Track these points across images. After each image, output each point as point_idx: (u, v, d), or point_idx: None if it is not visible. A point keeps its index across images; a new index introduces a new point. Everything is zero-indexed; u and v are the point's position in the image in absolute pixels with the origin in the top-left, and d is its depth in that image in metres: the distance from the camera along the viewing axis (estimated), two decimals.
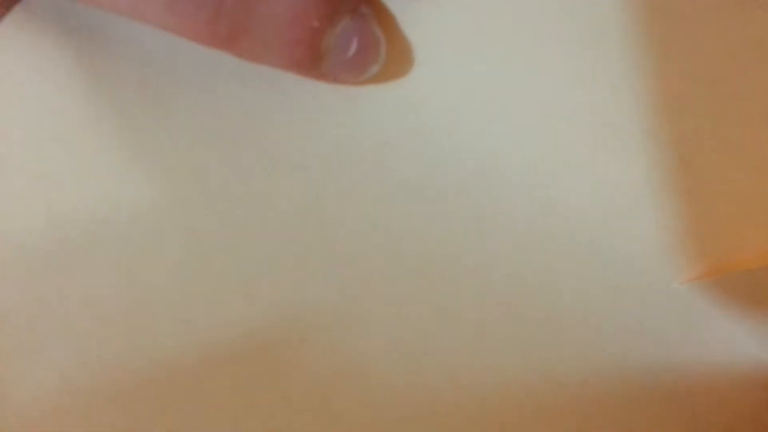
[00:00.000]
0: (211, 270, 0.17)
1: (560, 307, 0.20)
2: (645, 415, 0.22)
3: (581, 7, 0.17)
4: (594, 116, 0.18)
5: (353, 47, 0.16)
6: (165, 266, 0.17)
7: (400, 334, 0.18)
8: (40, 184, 0.17)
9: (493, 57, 0.17)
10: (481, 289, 0.19)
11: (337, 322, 0.17)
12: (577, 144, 0.18)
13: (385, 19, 0.17)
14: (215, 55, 0.16)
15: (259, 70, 0.16)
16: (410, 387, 0.17)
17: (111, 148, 0.17)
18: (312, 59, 0.16)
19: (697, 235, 0.20)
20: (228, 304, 0.17)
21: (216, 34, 0.15)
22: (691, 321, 0.21)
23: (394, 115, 0.18)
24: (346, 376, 0.17)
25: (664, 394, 0.22)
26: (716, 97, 0.18)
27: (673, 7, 0.17)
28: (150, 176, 0.17)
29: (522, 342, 0.19)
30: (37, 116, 0.17)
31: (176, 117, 0.17)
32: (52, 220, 0.17)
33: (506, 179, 0.18)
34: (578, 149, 0.18)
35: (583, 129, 0.18)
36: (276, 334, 0.17)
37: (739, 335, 0.22)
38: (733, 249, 0.20)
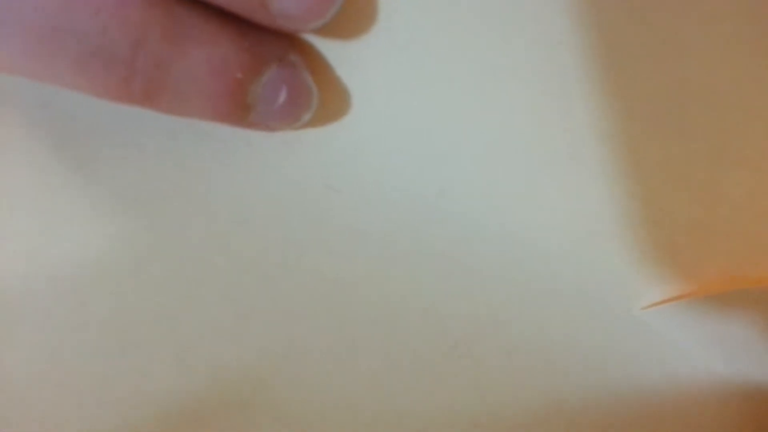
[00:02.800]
0: (139, 339, 0.16)
1: (520, 339, 0.19)
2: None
3: (526, 36, 0.16)
4: (547, 146, 0.17)
5: (282, 96, 0.15)
6: (90, 335, 0.16)
7: (350, 387, 0.17)
8: None
9: (434, 94, 0.17)
10: (434, 333, 0.18)
11: (282, 379, 0.17)
12: (531, 174, 0.17)
13: (318, 64, 0.16)
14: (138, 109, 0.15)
15: (187, 120, 0.16)
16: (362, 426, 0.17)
17: (30, 212, 0.16)
18: (238, 111, 0.15)
19: (656, 262, 0.19)
20: (161, 374, 0.16)
21: (131, 93, 0.14)
22: (652, 345, 0.21)
23: (335, 159, 0.17)
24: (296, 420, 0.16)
25: (630, 418, 0.22)
26: (672, 125, 0.18)
27: (628, 37, 0.16)
28: (74, 240, 0.16)
29: (482, 381, 0.19)
30: None
31: (99, 177, 0.16)
32: None
33: (456, 215, 0.18)
34: (532, 179, 0.17)
35: (536, 159, 0.17)
36: (215, 400, 0.16)
37: (700, 356, 0.21)
38: (692, 274, 0.20)
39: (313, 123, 0.16)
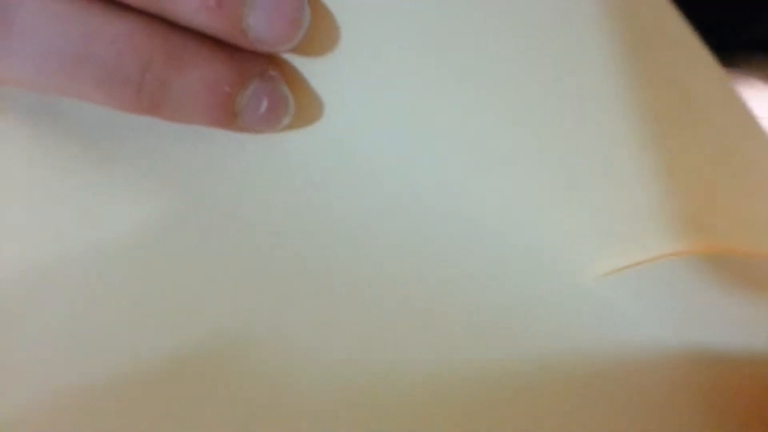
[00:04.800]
0: (155, 294, 0.20)
1: (477, 310, 0.22)
2: (564, 404, 0.24)
3: (486, 35, 0.19)
4: (504, 128, 0.20)
5: (264, 105, 0.18)
6: (109, 304, 0.20)
7: (326, 342, 0.20)
8: None
9: (396, 101, 0.20)
10: (403, 299, 0.21)
11: (270, 338, 0.20)
12: (487, 154, 0.20)
13: (293, 77, 0.19)
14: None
15: (188, 126, 0.19)
16: (337, 391, 0.20)
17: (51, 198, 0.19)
18: (228, 118, 0.18)
19: (608, 232, 0.22)
20: (170, 322, 0.20)
21: (140, 105, 0.17)
22: (605, 313, 0.23)
23: (313, 157, 0.20)
24: (276, 387, 0.20)
25: (582, 383, 0.24)
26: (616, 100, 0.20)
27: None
28: (93, 220, 0.19)
29: (444, 345, 0.22)
30: None
31: (118, 171, 0.19)
32: None
33: (420, 196, 0.21)
34: (488, 159, 0.20)
35: (488, 136, 0.20)
36: (215, 350, 0.20)
37: (651, 324, 0.24)
38: (642, 244, 0.22)
39: (293, 126, 0.20)
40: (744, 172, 0.21)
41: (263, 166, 0.20)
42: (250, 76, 0.18)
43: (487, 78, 0.19)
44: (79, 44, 0.17)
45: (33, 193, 0.19)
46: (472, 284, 0.22)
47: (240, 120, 0.18)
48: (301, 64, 0.19)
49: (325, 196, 0.20)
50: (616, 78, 0.19)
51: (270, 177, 0.20)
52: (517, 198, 0.21)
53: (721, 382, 0.26)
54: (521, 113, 0.20)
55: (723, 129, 0.20)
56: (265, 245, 0.20)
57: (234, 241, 0.20)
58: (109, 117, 0.19)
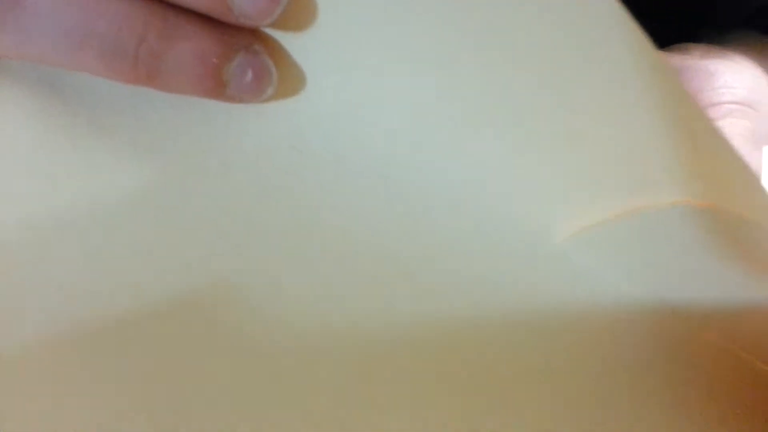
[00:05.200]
0: (155, 244, 0.22)
1: (455, 269, 0.24)
2: (537, 359, 0.26)
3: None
4: (470, 101, 0.22)
5: (249, 75, 0.20)
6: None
7: (313, 290, 0.22)
8: None
9: (369, 75, 0.22)
10: (384, 254, 0.23)
11: (263, 286, 0.22)
12: (455, 125, 0.22)
13: (276, 51, 0.21)
14: None
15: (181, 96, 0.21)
16: (322, 334, 0.22)
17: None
18: (216, 88, 0.20)
19: (573, 192, 0.23)
20: (170, 270, 0.22)
21: (137, 77, 0.19)
22: (572, 271, 0.25)
23: (296, 125, 0.22)
24: (268, 330, 0.22)
25: (554, 339, 0.26)
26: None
27: None
28: (98, 175, 0.21)
29: (422, 298, 0.24)
30: None
31: (118, 133, 0.22)
32: None
33: (398, 159, 0.22)
34: (461, 124, 0.22)
35: (465, 106, 0.22)
36: (212, 296, 0.22)
37: (616, 280, 0.25)
38: (608, 202, 0.24)
39: (277, 97, 0.22)
40: (695, 133, 0.22)
41: (250, 132, 0.22)
42: (236, 48, 0.20)
43: (456, 43, 0.21)
44: (84, 23, 0.19)
45: (40, 150, 0.21)
46: (448, 245, 0.24)
47: (227, 90, 0.20)
48: (284, 38, 0.21)
49: (308, 160, 0.22)
50: (564, 41, 0.20)
51: (256, 142, 0.22)
52: (486, 161, 0.22)
53: (691, 337, 0.27)
54: (491, 79, 0.22)
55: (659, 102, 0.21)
56: (256, 203, 0.22)
57: (227, 197, 0.22)
58: (111, 88, 0.21)
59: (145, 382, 0.22)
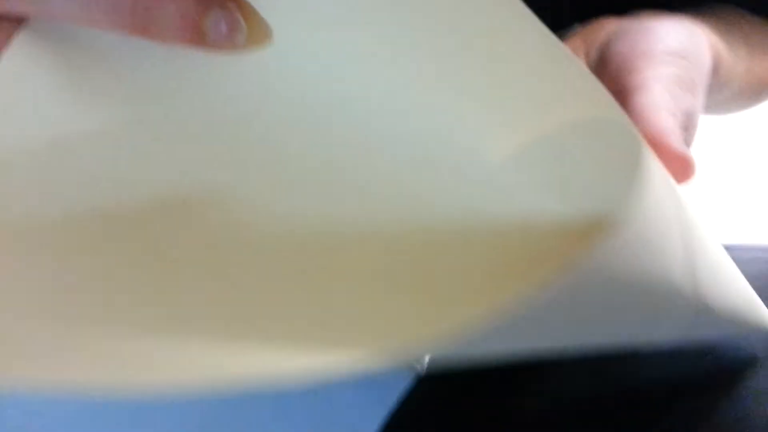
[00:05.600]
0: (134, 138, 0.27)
1: (397, 181, 0.29)
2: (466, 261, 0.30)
3: None
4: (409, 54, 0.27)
5: (223, 28, 0.25)
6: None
7: (273, 195, 0.28)
8: None
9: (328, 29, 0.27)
10: (333, 165, 0.28)
11: (230, 190, 0.27)
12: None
13: (246, 7, 0.26)
14: None
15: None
16: (280, 233, 0.27)
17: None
18: (199, 38, 0.25)
19: (492, 117, 0.28)
20: (149, 176, 0.27)
21: (134, 28, 0.25)
22: (504, 187, 0.29)
23: (264, 69, 0.27)
24: (237, 233, 0.27)
25: (478, 240, 0.30)
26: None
27: None
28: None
29: (365, 205, 0.29)
30: None
31: (117, 71, 0.27)
32: None
33: (355, 95, 0.28)
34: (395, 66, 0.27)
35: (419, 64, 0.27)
36: (187, 199, 0.27)
37: (541, 193, 0.29)
38: (539, 122, 0.28)
39: (247, 47, 0.27)
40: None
41: (225, 73, 0.27)
42: (213, 6, 0.25)
43: None
44: None
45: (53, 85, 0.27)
46: (392, 161, 0.29)
47: (207, 40, 0.26)
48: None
49: (273, 92, 0.27)
50: None
51: (230, 82, 0.27)
52: (420, 85, 0.27)
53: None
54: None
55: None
56: (230, 124, 0.27)
57: (207, 117, 0.27)
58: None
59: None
